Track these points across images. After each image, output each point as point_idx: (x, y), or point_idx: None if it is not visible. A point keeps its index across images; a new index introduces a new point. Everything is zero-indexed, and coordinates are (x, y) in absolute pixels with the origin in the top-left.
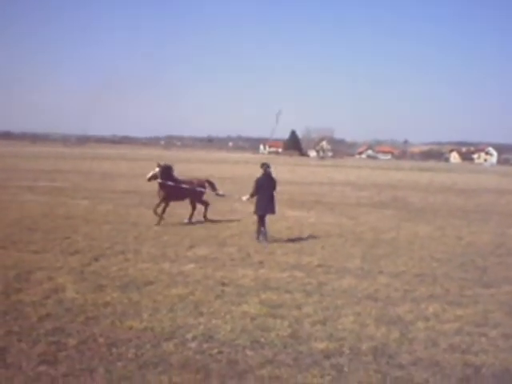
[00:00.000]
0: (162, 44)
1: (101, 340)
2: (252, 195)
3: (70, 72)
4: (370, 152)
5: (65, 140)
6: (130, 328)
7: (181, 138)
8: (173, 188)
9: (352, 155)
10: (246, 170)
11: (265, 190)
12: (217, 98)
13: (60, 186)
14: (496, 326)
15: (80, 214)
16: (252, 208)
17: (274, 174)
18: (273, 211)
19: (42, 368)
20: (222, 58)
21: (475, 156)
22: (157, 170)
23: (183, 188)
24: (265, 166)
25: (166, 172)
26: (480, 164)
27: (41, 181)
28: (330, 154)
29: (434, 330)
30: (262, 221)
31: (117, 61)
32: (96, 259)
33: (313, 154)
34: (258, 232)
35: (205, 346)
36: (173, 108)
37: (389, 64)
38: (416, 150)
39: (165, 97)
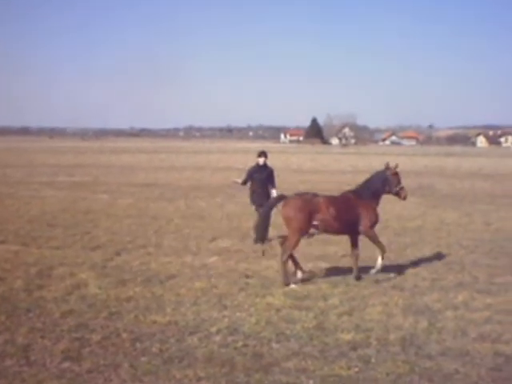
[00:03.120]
0: (178, 32)
1: (124, 335)
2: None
3: (85, 64)
4: (393, 138)
5: (82, 134)
6: (154, 322)
7: (200, 129)
8: None
9: (375, 142)
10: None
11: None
12: (236, 85)
13: (79, 180)
14: None
15: (100, 209)
16: None
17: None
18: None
19: (66, 364)
20: (238, 44)
21: (502, 140)
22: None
23: None
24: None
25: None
26: (508, 148)
27: (60, 176)
28: (352, 141)
29: (463, 319)
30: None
31: (133, 51)
32: (117, 254)
33: (335, 141)
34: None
35: (229, 339)
36: (191, 97)
37: (411, 46)
38: (441, 134)
39: (183, 86)
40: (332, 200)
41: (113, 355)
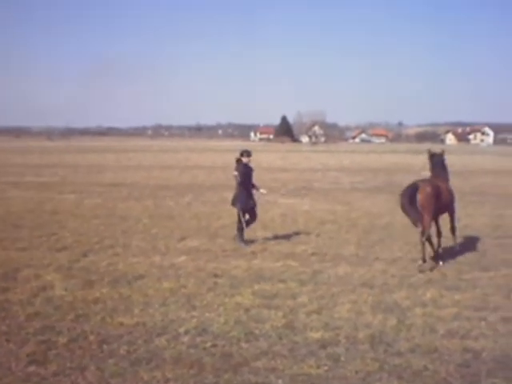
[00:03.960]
0: (147, 29)
1: (91, 337)
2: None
3: (51, 61)
4: (363, 136)
5: (49, 133)
6: (121, 324)
7: (169, 127)
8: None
9: (345, 140)
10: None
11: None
12: (205, 83)
13: (46, 180)
14: (495, 310)
15: (67, 209)
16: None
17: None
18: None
19: (32, 368)
20: (207, 42)
21: (471, 137)
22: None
23: None
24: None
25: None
26: (476, 145)
27: (26, 176)
28: (322, 139)
29: (431, 316)
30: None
31: (100, 46)
32: (84, 255)
33: (305, 139)
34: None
35: (198, 339)
36: (160, 95)
37: (380, 43)
38: (411, 131)
39: (151, 83)
40: (445, 185)
41: (79, 358)
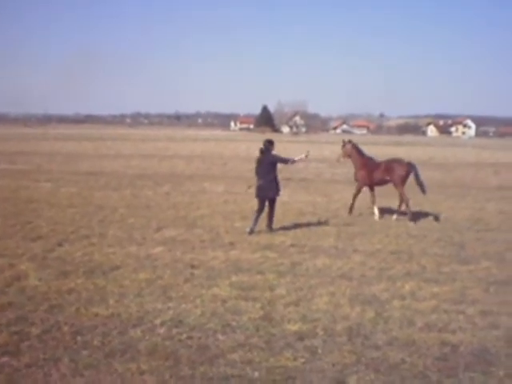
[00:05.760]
0: (127, 16)
1: (65, 328)
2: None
3: (30, 46)
4: (344, 127)
5: (25, 119)
6: (96, 315)
7: (147, 116)
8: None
9: (327, 130)
10: (217, 148)
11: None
12: (185, 71)
13: (21, 168)
14: (474, 303)
15: (43, 198)
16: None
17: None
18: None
19: (4, 359)
20: (187, 29)
21: (453, 129)
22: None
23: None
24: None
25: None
26: (458, 137)
27: (1, 163)
28: (303, 129)
29: (410, 309)
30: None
31: (79, 34)
32: (59, 244)
33: (286, 129)
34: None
35: (174, 331)
36: (139, 83)
37: (363, 33)
38: (392, 123)
39: (130, 71)
40: None
41: (53, 349)
